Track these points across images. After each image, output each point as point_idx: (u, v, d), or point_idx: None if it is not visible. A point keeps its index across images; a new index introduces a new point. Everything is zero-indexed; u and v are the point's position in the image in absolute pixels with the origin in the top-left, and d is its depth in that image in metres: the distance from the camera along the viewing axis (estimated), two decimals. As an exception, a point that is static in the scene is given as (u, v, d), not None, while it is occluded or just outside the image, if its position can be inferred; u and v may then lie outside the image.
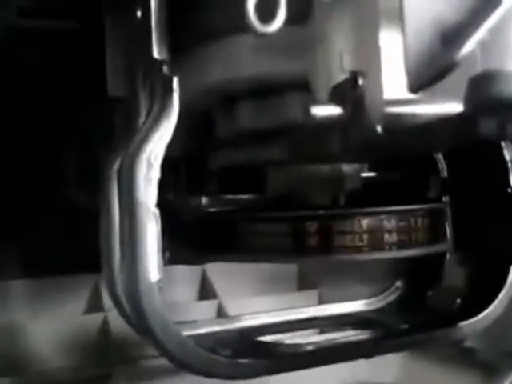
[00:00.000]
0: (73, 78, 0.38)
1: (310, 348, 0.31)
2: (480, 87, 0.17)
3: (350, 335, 0.35)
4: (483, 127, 0.19)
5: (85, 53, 0.35)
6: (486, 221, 0.35)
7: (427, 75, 0.19)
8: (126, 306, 0.30)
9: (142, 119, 0.28)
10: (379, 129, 0.21)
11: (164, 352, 0.28)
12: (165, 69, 0.27)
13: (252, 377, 0.30)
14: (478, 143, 0.33)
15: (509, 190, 0.34)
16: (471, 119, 0.20)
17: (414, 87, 0.20)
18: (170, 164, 0.28)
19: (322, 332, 0.39)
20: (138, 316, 0.28)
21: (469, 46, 0.17)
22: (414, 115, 0.21)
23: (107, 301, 0.46)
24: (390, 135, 0.22)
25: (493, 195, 0.35)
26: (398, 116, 0.21)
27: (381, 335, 0.34)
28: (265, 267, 0.55)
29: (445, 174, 0.36)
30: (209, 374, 0.29)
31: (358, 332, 0.36)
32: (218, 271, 0.52)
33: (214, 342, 0.32)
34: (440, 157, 0.36)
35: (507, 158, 0.33)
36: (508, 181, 0.34)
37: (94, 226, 0.33)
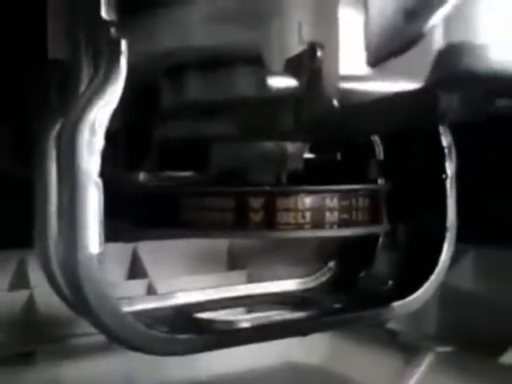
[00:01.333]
0: (9, 40, 0.36)
1: (247, 325, 0.31)
2: (447, 60, 0.17)
3: (284, 313, 0.35)
4: (441, 104, 0.19)
5: (24, 12, 0.33)
6: (419, 205, 0.36)
7: (388, 49, 0.19)
8: (60, 280, 0.29)
9: (83, 84, 0.27)
10: (335, 103, 0.21)
11: (102, 327, 0.27)
12: (112, 31, 0.26)
13: (190, 353, 0.29)
14: (417, 128, 0.34)
15: (443, 176, 0.35)
16: (428, 97, 0.20)
17: (373, 61, 0.20)
18: (109, 135, 0.27)
19: (256, 310, 0.39)
20: (74, 290, 0.26)
21: (433, 21, 0.17)
22: (370, 90, 0.21)
23: (33, 277, 0.45)
24: (344, 110, 0.22)
25: (427, 180, 0.35)
26: (354, 91, 0.21)
27: (315, 314, 0.34)
28: (195, 247, 0.54)
29: (381, 156, 0.37)
30: (147, 351, 0.28)
31: (292, 310, 0.36)
32: (149, 250, 0.51)
33: (150, 319, 0.31)
34: (377, 140, 0.37)
35: (444, 143, 0.34)
36: (443, 166, 0.34)
37: (20, 199, 0.31)
